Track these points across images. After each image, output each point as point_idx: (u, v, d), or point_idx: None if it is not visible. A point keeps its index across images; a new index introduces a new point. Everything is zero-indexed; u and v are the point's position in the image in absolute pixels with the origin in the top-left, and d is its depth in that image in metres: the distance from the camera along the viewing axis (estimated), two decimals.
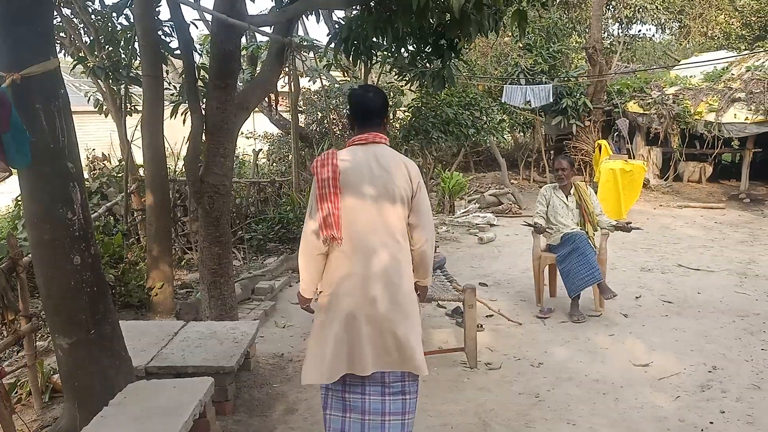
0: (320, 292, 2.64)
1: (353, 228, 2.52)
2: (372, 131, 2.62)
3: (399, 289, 2.54)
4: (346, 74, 11.43)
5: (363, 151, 2.59)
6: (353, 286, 2.50)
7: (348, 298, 2.51)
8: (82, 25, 6.88)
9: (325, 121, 10.96)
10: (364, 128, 2.64)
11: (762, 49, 13.76)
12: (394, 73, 8.11)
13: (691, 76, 13.29)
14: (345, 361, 2.52)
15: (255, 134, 13.97)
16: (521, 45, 13.79)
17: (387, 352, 2.52)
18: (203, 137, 4.31)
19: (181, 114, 6.52)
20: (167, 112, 5.57)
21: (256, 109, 9.93)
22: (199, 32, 27.06)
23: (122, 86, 6.67)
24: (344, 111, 10.49)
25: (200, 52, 9.29)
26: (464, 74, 11.82)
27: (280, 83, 7.01)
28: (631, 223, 5.69)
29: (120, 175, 7.38)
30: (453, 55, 4.54)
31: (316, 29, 14.22)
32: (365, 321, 2.50)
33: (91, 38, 6.55)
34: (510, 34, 13.96)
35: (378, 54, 4.92)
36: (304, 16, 5.84)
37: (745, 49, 16.40)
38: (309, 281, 2.64)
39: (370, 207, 2.52)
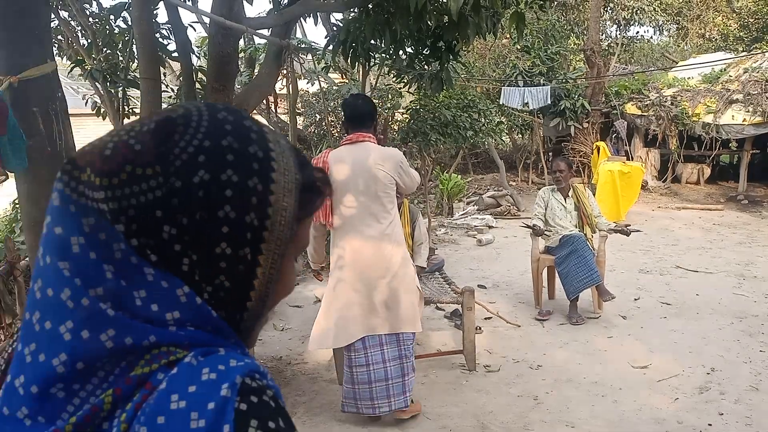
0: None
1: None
2: (361, 132, 3.11)
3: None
4: (344, 76, 11.43)
5: (349, 150, 3.08)
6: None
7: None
8: (79, 28, 6.86)
9: (324, 123, 10.95)
10: (355, 130, 3.13)
11: (759, 51, 13.79)
12: (392, 76, 8.12)
13: (689, 78, 13.30)
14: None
15: None
16: (519, 47, 13.79)
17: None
18: None
19: None
20: None
21: (255, 111, 9.94)
22: (196, 34, 27.08)
23: (120, 89, 6.65)
24: (341, 114, 10.47)
25: (198, 55, 9.28)
26: (462, 76, 11.82)
27: (278, 85, 7.00)
28: (630, 225, 5.68)
29: None
30: (451, 57, 4.54)
31: (314, 31, 14.20)
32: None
33: (89, 41, 6.54)
34: (508, 36, 13.96)
35: (376, 56, 4.92)
36: (302, 18, 5.85)
37: (743, 51, 16.42)
38: (312, 254, 3.48)
39: (360, 206, 3.02)
